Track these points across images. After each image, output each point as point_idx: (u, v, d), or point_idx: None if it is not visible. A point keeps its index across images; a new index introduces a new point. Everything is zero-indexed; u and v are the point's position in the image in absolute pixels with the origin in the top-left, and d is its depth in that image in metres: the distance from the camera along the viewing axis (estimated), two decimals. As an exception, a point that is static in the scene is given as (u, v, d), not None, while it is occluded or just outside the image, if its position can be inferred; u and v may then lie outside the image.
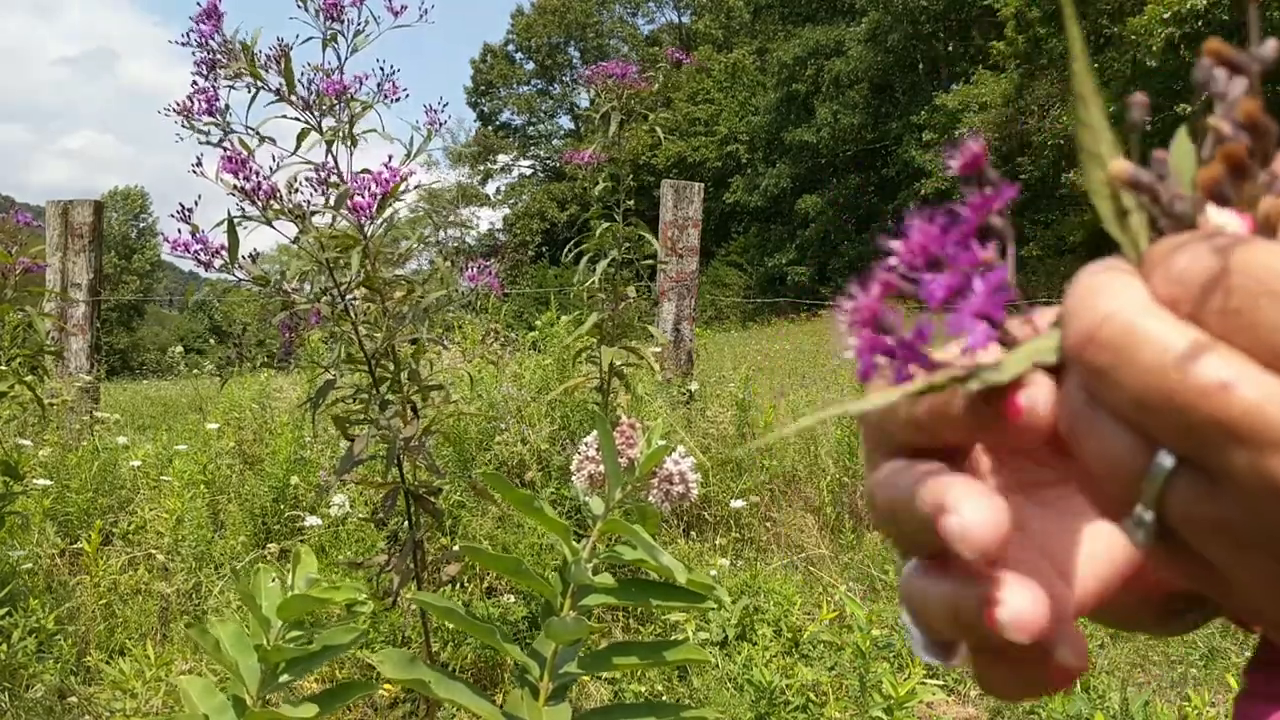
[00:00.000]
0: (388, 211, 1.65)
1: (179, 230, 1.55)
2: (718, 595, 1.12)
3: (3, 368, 2.14)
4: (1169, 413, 0.23)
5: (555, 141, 42.36)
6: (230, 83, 1.59)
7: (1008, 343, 0.28)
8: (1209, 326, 0.24)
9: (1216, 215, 0.26)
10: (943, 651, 0.32)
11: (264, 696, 1.17)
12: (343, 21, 1.64)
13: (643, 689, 2.35)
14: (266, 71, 1.59)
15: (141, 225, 42.60)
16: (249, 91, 1.60)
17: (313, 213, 1.60)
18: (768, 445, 3.75)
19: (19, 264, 2.11)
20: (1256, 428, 0.22)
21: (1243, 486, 0.23)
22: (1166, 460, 0.24)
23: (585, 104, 40.80)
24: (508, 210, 40.99)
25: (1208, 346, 0.23)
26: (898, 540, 0.31)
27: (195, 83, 1.57)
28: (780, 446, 3.80)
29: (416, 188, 1.71)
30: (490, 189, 42.63)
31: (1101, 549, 0.34)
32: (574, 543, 1.14)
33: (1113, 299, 0.25)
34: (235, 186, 1.53)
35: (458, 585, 2.76)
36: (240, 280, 1.58)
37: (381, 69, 1.69)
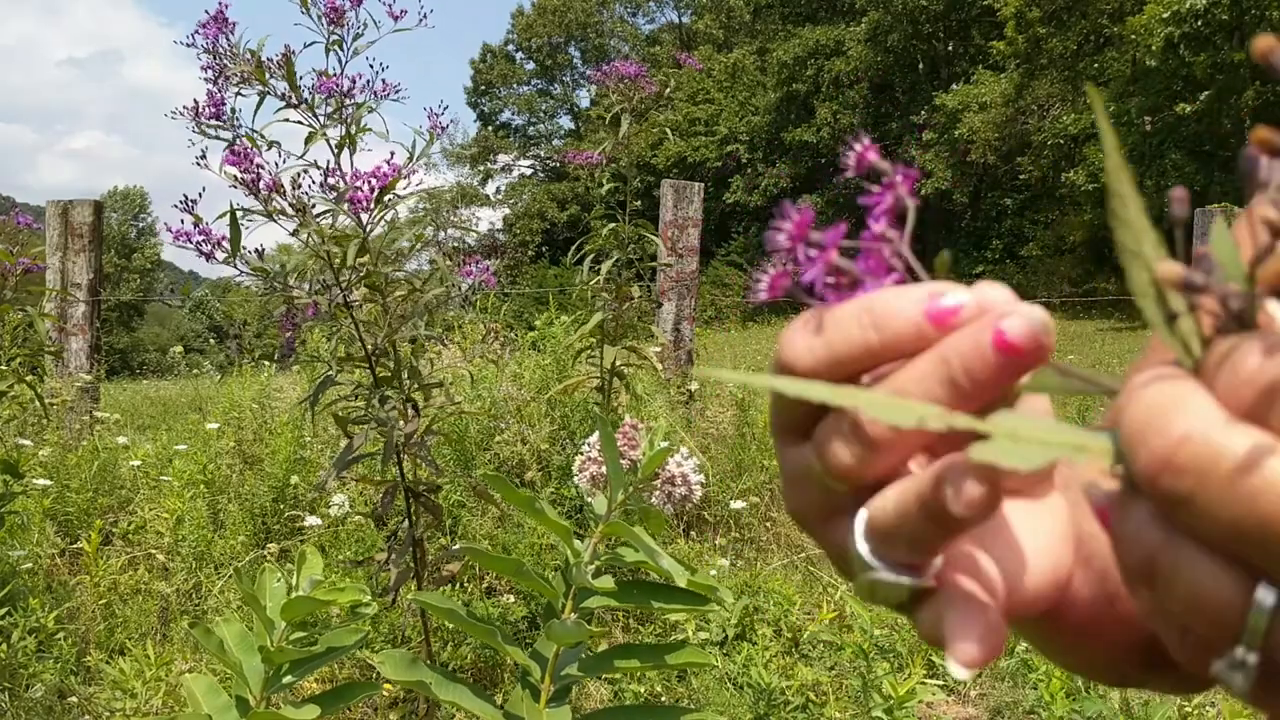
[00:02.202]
0: (386, 209, 1.65)
1: (181, 221, 1.55)
2: (720, 597, 1.12)
3: (3, 368, 2.14)
4: (1272, 542, 0.21)
5: (555, 141, 42.34)
6: (238, 88, 1.60)
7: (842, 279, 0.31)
8: None
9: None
10: (910, 570, 0.30)
11: (267, 696, 1.17)
12: (344, 26, 1.65)
13: (642, 689, 2.35)
14: (271, 77, 1.60)
15: (141, 225, 42.65)
16: (258, 98, 1.62)
17: (313, 208, 1.60)
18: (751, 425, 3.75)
19: (19, 264, 2.11)
20: None
21: None
22: (1268, 596, 0.22)
23: (586, 104, 40.83)
24: (508, 210, 40.98)
25: None
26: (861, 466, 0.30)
27: (210, 92, 1.59)
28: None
29: (419, 186, 1.71)
30: (490, 189, 42.64)
31: (1049, 526, 0.32)
32: (575, 544, 1.14)
33: (1185, 416, 0.22)
34: (237, 179, 1.54)
35: (458, 585, 2.76)
36: (241, 273, 1.59)
37: (372, 67, 1.70)
